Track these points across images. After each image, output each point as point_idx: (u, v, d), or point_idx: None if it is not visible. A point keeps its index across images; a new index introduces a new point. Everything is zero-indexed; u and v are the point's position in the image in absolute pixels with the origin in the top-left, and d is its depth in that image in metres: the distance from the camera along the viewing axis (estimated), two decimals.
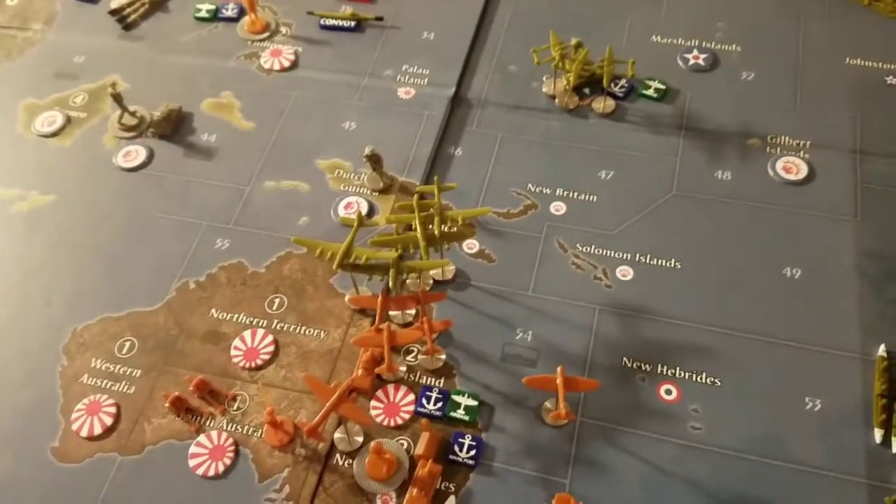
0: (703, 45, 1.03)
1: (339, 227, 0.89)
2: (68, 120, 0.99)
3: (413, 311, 0.83)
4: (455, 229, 0.81)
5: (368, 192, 0.93)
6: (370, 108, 1.00)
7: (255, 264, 0.87)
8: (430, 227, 0.79)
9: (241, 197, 0.93)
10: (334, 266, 0.76)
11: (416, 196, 0.81)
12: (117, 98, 0.94)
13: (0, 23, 1.09)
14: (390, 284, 0.76)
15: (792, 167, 0.91)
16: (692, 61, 1.01)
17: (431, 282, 0.86)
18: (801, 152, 0.92)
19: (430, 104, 1.00)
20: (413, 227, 0.79)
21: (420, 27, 1.07)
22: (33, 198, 0.92)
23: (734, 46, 1.03)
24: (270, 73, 1.03)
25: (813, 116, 0.95)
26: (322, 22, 1.07)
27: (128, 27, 1.07)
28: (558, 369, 0.72)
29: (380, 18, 1.07)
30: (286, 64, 1.04)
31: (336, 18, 1.07)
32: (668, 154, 0.94)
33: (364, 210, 0.91)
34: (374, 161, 0.90)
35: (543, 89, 1.01)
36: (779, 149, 0.93)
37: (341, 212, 0.91)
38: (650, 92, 0.99)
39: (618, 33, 1.05)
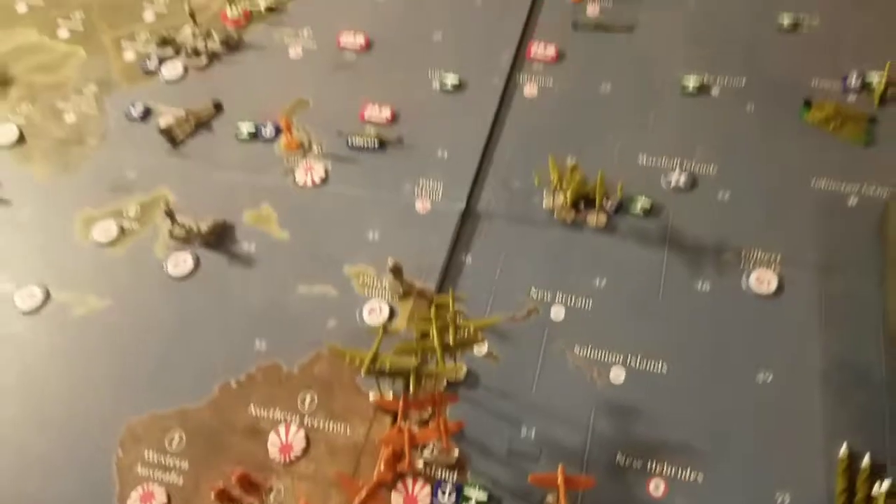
0: (684, 166, 1.16)
1: (364, 330, 1.01)
2: (122, 230, 1.11)
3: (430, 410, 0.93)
4: (468, 337, 0.92)
5: (390, 297, 1.04)
6: (391, 220, 1.13)
7: (289, 364, 0.98)
8: (446, 335, 0.91)
9: (277, 301, 1.04)
10: (362, 373, 0.87)
11: (432, 307, 0.93)
12: (170, 213, 1.07)
13: (59, 137, 1.22)
14: (411, 390, 0.87)
15: (763, 280, 1.03)
16: (673, 182, 1.14)
17: (445, 382, 0.96)
18: (773, 266, 1.04)
19: (443, 216, 1.12)
20: (430, 335, 0.91)
21: (435, 146, 1.20)
22: (91, 302, 1.04)
23: (712, 167, 1.16)
24: (304, 187, 1.16)
25: (783, 234, 1.08)
26: (350, 141, 1.21)
27: (175, 145, 1.21)
28: (559, 468, 0.82)
29: (400, 139, 1.21)
30: (318, 180, 1.17)
31: (362, 138, 1.21)
32: (654, 265, 1.06)
33: (385, 314, 1.03)
34: (396, 272, 1.02)
35: (543, 204, 1.13)
36: (752, 263, 1.05)
37: (366, 315, 1.03)
38: (637, 209, 1.11)
39: (609, 151, 1.18)
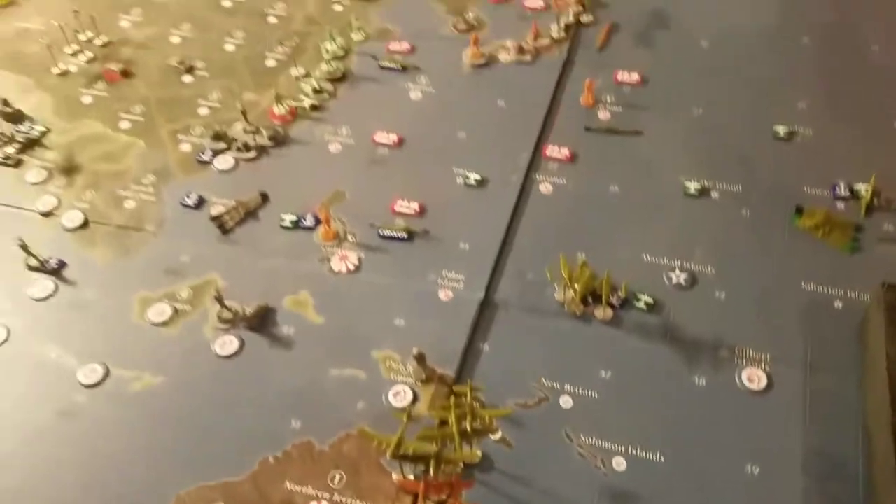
0: (685, 265, 1.27)
1: (389, 411, 1.11)
2: (175, 312, 1.23)
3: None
4: (484, 425, 1.03)
5: (413, 381, 1.15)
6: (416, 307, 1.24)
7: (321, 442, 1.09)
8: (464, 423, 1.02)
9: (312, 382, 1.15)
10: (388, 456, 0.98)
11: (451, 397, 1.04)
12: (219, 299, 1.19)
13: (119, 223, 1.36)
14: (431, 474, 0.97)
15: (754, 377, 1.13)
16: (675, 280, 1.25)
17: (462, 464, 1.07)
18: (763, 364, 1.14)
19: (464, 305, 1.24)
20: (449, 422, 1.01)
21: (458, 238, 1.33)
22: (146, 379, 1.16)
23: (709, 268, 1.27)
24: (339, 274, 1.28)
25: (773, 334, 1.18)
26: (381, 232, 1.33)
27: (225, 232, 1.34)
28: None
29: (426, 231, 1.34)
30: (352, 268, 1.29)
31: (392, 230, 1.33)
32: (655, 359, 1.16)
33: (409, 397, 1.14)
34: (420, 359, 1.13)
35: (555, 296, 1.25)
36: (744, 361, 1.15)
37: (391, 398, 1.13)
38: (640, 305, 1.22)
39: (616, 248, 1.30)
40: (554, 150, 1.45)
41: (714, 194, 1.37)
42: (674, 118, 1.50)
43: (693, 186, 1.37)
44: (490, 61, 1.62)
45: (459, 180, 1.42)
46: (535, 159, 1.45)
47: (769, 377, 1.13)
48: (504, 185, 1.41)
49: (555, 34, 1.66)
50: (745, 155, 1.43)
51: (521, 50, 1.62)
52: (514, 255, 1.31)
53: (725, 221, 1.33)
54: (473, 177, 1.42)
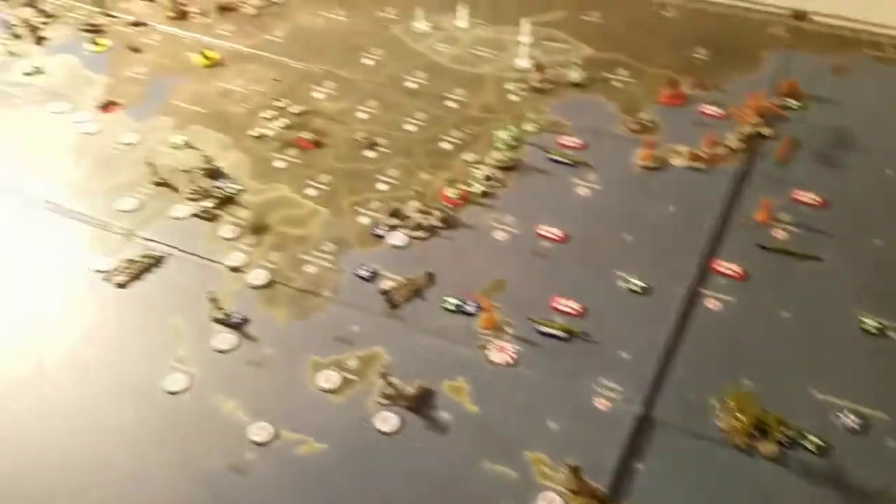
0: (855, 407, 1.21)
1: None
2: (343, 380, 1.30)
3: None
4: None
5: (563, 490, 1.15)
6: (570, 412, 1.24)
7: None
8: None
9: (462, 473, 1.18)
10: None
11: None
12: (384, 375, 1.25)
13: (299, 286, 1.46)
14: None
15: None
16: (844, 422, 1.19)
17: None
18: None
19: (620, 417, 1.23)
20: None
21: (617, 346, 1.33)
22: (310, 444, 1.22)
23: (882, 413, 1.20)
24: (496, 366, 1.31)
25: None
26: (538, 328, 1.36)
27: (394, 307, 1.41)
28: None
29: (587, 334, 1.35)
30: (509, 361, 1.32)
31: (550, 327, 1.35)
32: None
33: None
34: (575, 471, 1.13)
35: (717, 423, 1.22)
36: None
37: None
38: (809, 445, 1.17)
39: (783, 379, 1.26)
40: (724, 266, 1.44)
41: (893, 335, 1.31)
42: (854, 247, 1.45)
43: (871, 324, 1.32)
44: (661, 165, 1.64)
45: (622, 284, 1.43)
46: (703, 272, 1.44)
47: None
48: (668, 296, 1.40)
49: (733, 144, 1.65)
50: None
51: (695, 157, 1.62)
52: (676, 372, 1.30)
53: None
54: (637, 283, 1.42)
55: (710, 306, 1.38)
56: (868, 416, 1.20)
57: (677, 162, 1.64)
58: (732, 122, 1.70)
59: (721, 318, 1.37)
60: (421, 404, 1.27)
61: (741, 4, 2.16)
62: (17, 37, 2.14)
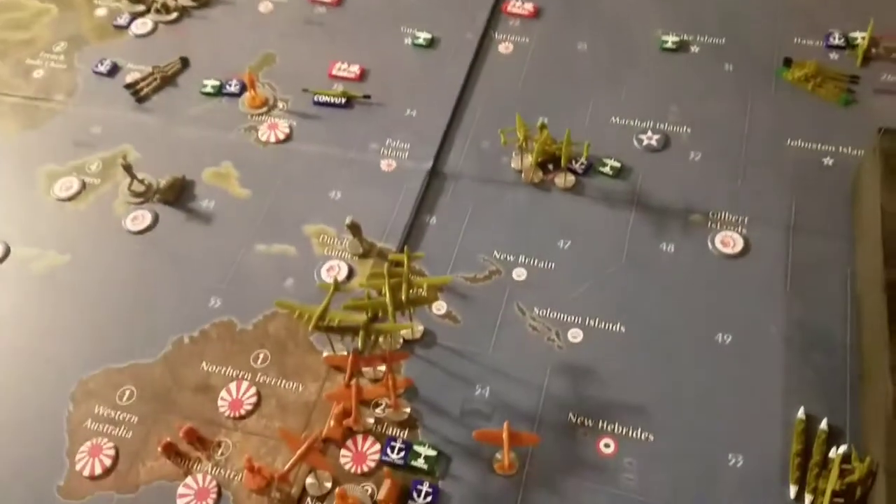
0: (657, 126, 1.13)
1: (321, 290, 0.99)
2: (84, 185, 1.10)
3: (383, 368, 0.92)
4: (421, 295, 0.91)
5: (349, 256, 1.03)
6: (355, 179, 1.11)
7: (244, 322, 0.97)
8: (399, 292, 0.90)
9: (234, 259, 1.03)
10: (310, 328, 0.86)
11: (387, 264, 0.91)
12: (127, 168, 1.06)
13: (26, 94, 1.21)
14: (360, 345, 0.86)
15: (729, 241, 1.00)
16: (646, 142, 1.11)
17: (402, 341, 0.95)
18: (739, 228, 1.02)
19: (409, 177, 1.10)
20: (383, 292, 0.89)
21: (403, 105, 1.18)
22: (51, 257, 1.03)
23: (685, 128, 1.13)
24: (267, 144, 1.15)
25: (752, 194, 1.05)
26: (315, 98, 1.19)
27: (140, 100, 1.19)
28: (504, 424, 0.81)
29: (367, 97, 1.19)
30: (281, 137, 1.15)
31: (328, 95, 1.18)
32: (620, 227, 1.04)
33: (344, 273, 1.01)
34: (354, 230, 1.01)
35: (511, 164, 1.11)
36: (718, 224, 1.02)
37: (324, 274, 1.01)
38: (606, 170, 1.09)
39: (581, 114, 1.16)
40: (516, 6, 1.29)
41: (694, 48, 1.22)
42: None
43: (671, 40, 1.22)
44: None
45: (407, 41, 1.26)
46: (495, 16, 1.29)
47: (746, 241, 1.00)
48: (458, 45, 1.25)
49: None
50: (730, 4, 1.27)
51: None
52: (467, 122, 1.17)
53: (705, 77, 1.18)
54: (423, 36, 1.26)
55: (503, 50, 1.25)
56: (670, 134, 1.12)
57: None
58: None
59: (514, 60, 1.23)
60: (178, 197, 1.09)
61: None
62: None
